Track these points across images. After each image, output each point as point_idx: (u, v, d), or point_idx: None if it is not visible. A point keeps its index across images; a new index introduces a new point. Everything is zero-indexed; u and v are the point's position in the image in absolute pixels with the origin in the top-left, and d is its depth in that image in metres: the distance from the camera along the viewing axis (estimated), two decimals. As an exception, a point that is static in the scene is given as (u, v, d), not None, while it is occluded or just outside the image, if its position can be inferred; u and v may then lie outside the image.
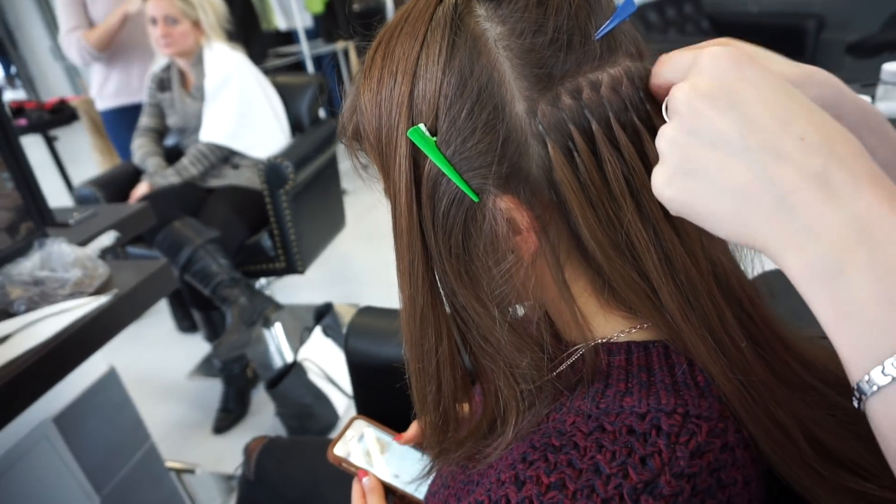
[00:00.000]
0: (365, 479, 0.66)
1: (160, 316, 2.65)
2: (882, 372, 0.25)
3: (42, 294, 0.94)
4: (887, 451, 0.27)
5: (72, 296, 0.95)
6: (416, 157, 0.38)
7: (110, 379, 1.26)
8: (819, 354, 0.42)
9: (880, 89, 1.27)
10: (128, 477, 1.28)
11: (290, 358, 2.04)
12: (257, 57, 2.21)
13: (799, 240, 0.27)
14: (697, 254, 0.37)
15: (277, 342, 2.07)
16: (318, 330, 1.94)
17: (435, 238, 0.39)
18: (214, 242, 1.78)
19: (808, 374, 0.41)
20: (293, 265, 2.01)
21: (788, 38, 3.21)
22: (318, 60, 3.86)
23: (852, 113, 0.35)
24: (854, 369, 0.27)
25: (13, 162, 1.04)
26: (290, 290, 2.73)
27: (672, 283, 0.36)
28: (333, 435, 1.70)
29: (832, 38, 3.21)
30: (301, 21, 3.70)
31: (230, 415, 1.96)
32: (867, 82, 1.43)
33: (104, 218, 1.28)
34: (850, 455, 0.37)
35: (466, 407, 0.49)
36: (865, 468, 0.37)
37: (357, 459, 0.68)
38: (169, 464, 1.47)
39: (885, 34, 2.85)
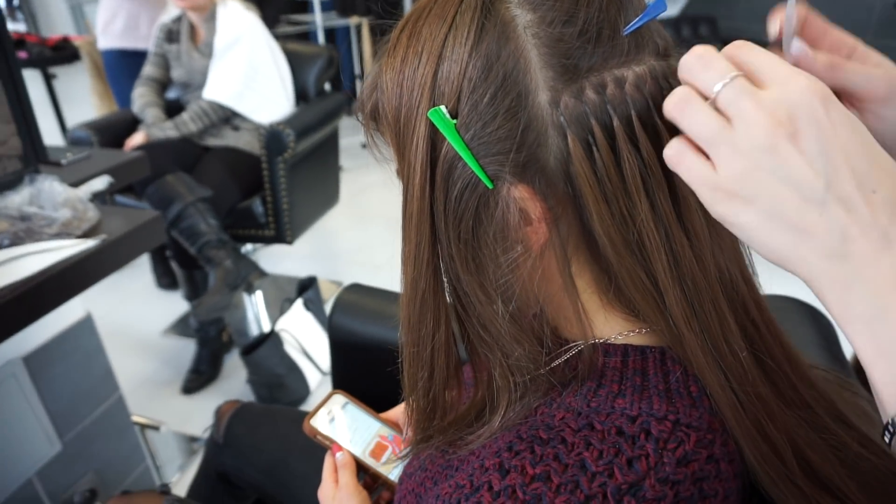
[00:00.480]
0: (339, 454, 0.65)
1: (140, 269, 2.61)
2: None
3: (28, 230, 0.92)
4: None
5: (58, 236, 0.93)
6: (434, 138, 0.38)
7: (85, 325, 1.24)
8: (817, 378, 0.42)
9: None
10: (92, 426, 1.27)
11: (266, 327, 2.03)
12: (269, 21, 2.17)
13: (847, 283, 0.29)
14: (706, 259, 0.37)
15: (256, 310, 2.05)
16: (299, 302, 1.92)
17: (445, 222, 0.39)
18: (206, 201, 1.76)
19: (808, 393, 0.42)
20: (282, 234, 1.99)
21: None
22: (329, 33, 3.82)
23: None
24: (889, 405, 0.28)
25: (13, 93, 1.02)
26: (274, 259, 2.71)
27: (678, 287, 0.36)
28: (303, 408, 1.70)
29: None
30: (317, -9, 3.66)
31: (201, 377, 1.95)
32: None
33: (98, 162, 1.26)
34: (835, 479, 0.38)
35: (454, 395, 0.48)
36: (847, 494, 0.38)
37: (332, 433, 0.68)
38: (135, 418, 1.45)
39: None
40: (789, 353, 0.41)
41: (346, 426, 0.69)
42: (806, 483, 0.38)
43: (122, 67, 2.31)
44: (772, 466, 0.37)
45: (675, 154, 0.32)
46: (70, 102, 3.02)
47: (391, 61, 0.40)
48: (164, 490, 0.82)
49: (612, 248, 0.37)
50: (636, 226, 0.36)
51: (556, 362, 0.42)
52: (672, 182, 0.36)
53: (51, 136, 2.48)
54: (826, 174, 0.29)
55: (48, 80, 2.77)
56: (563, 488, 0.33)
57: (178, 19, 2.06)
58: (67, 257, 0.88)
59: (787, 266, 0.31)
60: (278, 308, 1.93)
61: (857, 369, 1.06)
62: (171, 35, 2.07)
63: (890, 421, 0.28)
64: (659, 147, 0.35)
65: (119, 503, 0.80)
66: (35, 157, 1.07)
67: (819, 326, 0.71)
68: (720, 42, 3.51)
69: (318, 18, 3.65)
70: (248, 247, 2.52)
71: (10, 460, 1.10)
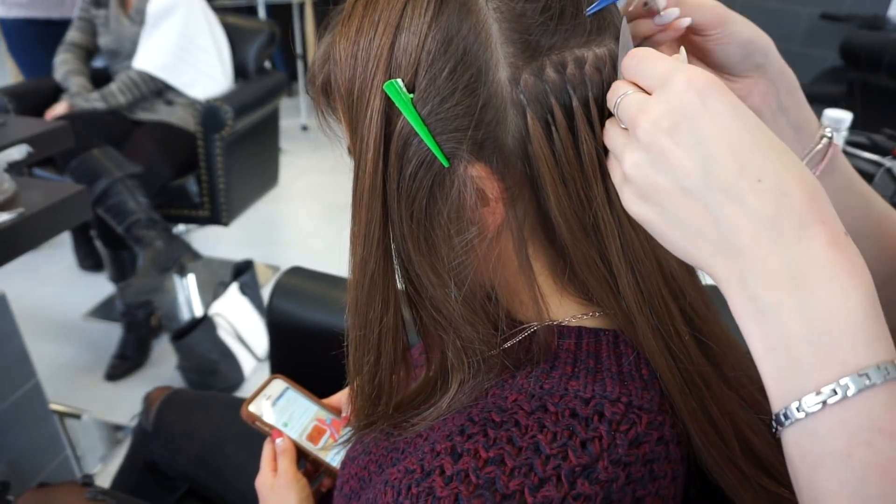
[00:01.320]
0: (278, 440, 0.63)
1: (61, 249, 2.46)
2: (797, 408, 0.27)
3: (-67, 201, 0.85)
4: (795, 480, 0.29)
5: (-31, 208, 0.86)
6: (389, 113, 0.36)
7: (0, 305, 1.15)
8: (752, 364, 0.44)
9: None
10: (6, 413, 1.18)
11: (199, 311, 1.95)
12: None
13: (741, 277, 0.29)
14: (650, 248, 0.37)
15: (188, 293, 1.97)
16: (234, 286, 1.86)
17: (398, 200, 0.38)
18: (135, 178, 1.66)
19: (746, 376, 0.43)
20: (218, 215, 1.92)
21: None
22: (270, 8, 3.68)
23: (776, 72, 0.40)
24: (775, 401, 0.29)
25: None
26: (207, 241, 2.60)
27: (630, 271, 0.37)
28: (238, 395, 1.65)
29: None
30: (259, -36, 3.52)
31: (126, 362, 1.85)
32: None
33: (15, 130, 1.16)
34: (772, 459, 0.39)
35: (401, 377, 0.47)
36: (783, 473, 0.39)
37: (271, 419, 0.66)
38: (53, 406, 1.37)
39: (816, 88, 3.06)
40: (725, 336, 0.42)
41: (284, 411, 0.67)
42: (746, 464, 0.39)
43: (29, 37, 2.14)
44: (716, 448, 0.38)
45: (608, 161, 0.35)
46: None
47: (345, 31, 0.38)
48: (87, 482, 0.77)
49: (568, 231, 0.36)
50: (592, 209, 0.36)
51: (509, 343, 0.41)
52: None
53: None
54: (704, 165, 0.29)
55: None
56: (517, 471, 0.33)
57: (108, -17, 1.94)
58: (-21, 231, 0.81)
59: (691, 261, 0.32)
60: (212, 292, 1.86)
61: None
62: (98, 0, 1.94)
63: (775, 416, 0.29)
64: None
65: (35, 496, 0.75)
66: (-58, 122, 0.98)
67: None
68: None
69: (260, -7, 3.52)
70: (180, 227, 2.41)
71: (-90, 451, 1.01)
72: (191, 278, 1.96)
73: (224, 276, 1.96)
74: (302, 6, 3.86)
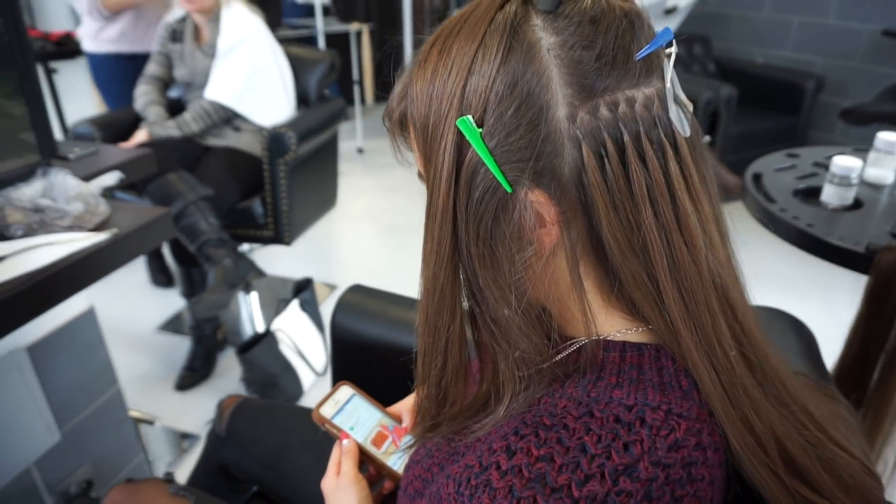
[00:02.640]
0: (344, 441, 0.68)
1: (134, 266, 2.62)
2: None
3: (41, 222, 0.95)
4: None
5: (70, 229, 0.95)
6: (461, 145, 0.41)
7: (88, 318, 1.26)
8: (794, 381, 0.46)
9: (871, 155, 1.33)
10: (90, 418, 1.28)
11: (261, 327, 2.04)
12: (271, 24, 2.19)
13: None
14: (701, 265, 0.40)
15: (251, 309, 2.07)
16: (295, 303, 1.95)
17: (466, 221, 0.42)
18: (207, 200, 1.78)
19: (787, 393, 0.45)
20: (281, 235, 2.02)
21: (788, 94, 3.30)
22: (329, 38, 3.85)
23: None
24: None
25: (28, 87, 1.04)
26: (270, 259, 2.73)
27: (676, 288, 0.40)
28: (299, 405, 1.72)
29: (828, 101, 3.32)
30: (319, -4, 3.69)
31: (195, 374, 1.96)
32: (859, 147, 1.50)
33: (105, 158, 1.28)
34: (812, 472, 0.42)
35: (461, 387, 0.51)
36: (822, 486, 0.41)
37: (339, 422, 0.71)
38: (132, 412, 1.47)
39: (877, 105, 2.97)
40: (770, 355, 0.45)
41: (351, 416, 0.72)
42: (786, 472, 0.41)
43: (113, 70, 2.32)
44: (755, 455, 0.40)
45: None
46: (70, 98, 3.03)
47: (422, 73, 0.43)
48: (169, 478, 0.84)
49: (619, 251, 0.40)
50: (641, 231, 0.39)
51: (560, 356, 0.45)
52: (674, 193, 0.39)
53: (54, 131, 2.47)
54: None
55: (49, 74, 2.77)
56: (566, 468, 0.37)
57: (183, 19, 2.09)
58: (79, 250, 0.91)
59: None
60: (274, 308, 1.95)
61: (837, 378, 1.10)
62: (175, 35, 2.09)
63: None
64: (663, 160, 0.39)
65: (123, 490, 0.82)
66: (48, 152, 1.09)
67: (801, 336, 0.75)
68: (713, 61, 3.59)
69: (320, 23, 3.68)
70: (244, 246, 2.54)
71: (10, 449, 1.11)
72: (254, 295, 2.06)
73: (285, 294, 2.05)
74: (359, 35, 4.02)
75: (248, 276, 1.76)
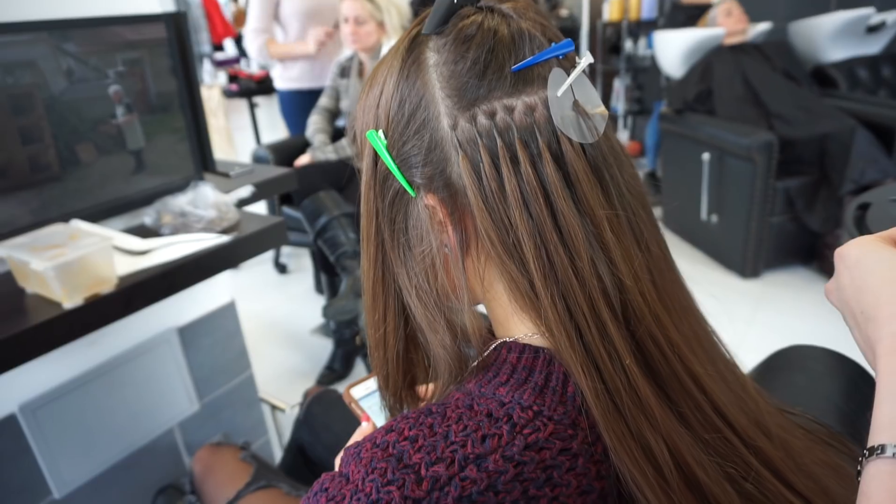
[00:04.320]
0: (364, 423, 0.74)
1: (305, 274, 2.97)
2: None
3: (183, 224, 1.16)
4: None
5: (204, 230, 1.15)
6: (376, 154, 0.47)
7: (229, 310, 1.49)
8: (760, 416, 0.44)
9: None
10: (225, 395, 1.51)
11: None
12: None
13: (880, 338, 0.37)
14: (583, 268, 0.40)
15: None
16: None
17: (386, 223, 0.47)
18: (349, 217, 1.98)
19: (721, 417, 0.43)
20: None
21: None
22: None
23: None
24: (880, 433, 0.34)
25: (191, 114, 1.28)
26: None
27: (552, 291, 0.40)
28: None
29: None
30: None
31: (333, 373, 2.17)
32: None
33: (257, 176, 1.51)
34: (720, 498, 0.39)
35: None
36: None
37: (365, 405, 0.77)
38: (262, 395, 1.68)
39: None
40: (698, 377, 0.42)
41: (377, 402, 0.77)
42: (683, 494, 0.39)
43: (295, 103, 2.68)
44: (640, 473, 0.39)
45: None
46: (268, 127, 3.56)
47: (363, 93, 0.49)
48: (244, 446, 0.98)
49: (495, 252, 0.42)
50: (514, 232, 0.41)
51: (484, 354, 0.47)
52: (550, 197, 0.40)
53: (248, 154, 2.92)
54: (852, 287, 0.41)
55: (252, 108, 3.29)
56: (423, 449, 0.39)
57: (351, 57, 2.36)
58: (207, 248, 1.10)
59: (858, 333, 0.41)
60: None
61: None
62: (343, 71, 2.37)
63: (871, 447, 0.34)
64: (537, 164, 0.40)
65: (209, 450, 0.97)
66: (203, 168, 1.33)
67: (844, 373, 0.64)
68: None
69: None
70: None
71: (159, 410, 1.35)
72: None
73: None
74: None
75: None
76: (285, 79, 2.68)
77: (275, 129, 3.74)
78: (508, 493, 0.37)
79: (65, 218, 1.08)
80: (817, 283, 2.61)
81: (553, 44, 0.42)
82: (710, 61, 2.88)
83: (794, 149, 2.56)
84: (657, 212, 3.59)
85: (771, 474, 0.43)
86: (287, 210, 2.25)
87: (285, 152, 2.35)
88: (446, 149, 0.43)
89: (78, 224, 1.07)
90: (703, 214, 2.78)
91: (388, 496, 0.37)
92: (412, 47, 0.45)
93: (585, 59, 0.43)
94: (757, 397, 0.48)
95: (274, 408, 1.85)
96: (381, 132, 0.45)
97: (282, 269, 3.08)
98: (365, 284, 0.51)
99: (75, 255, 0.88)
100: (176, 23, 1.22)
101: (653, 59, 3.61)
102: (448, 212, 0.44)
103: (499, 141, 0.41)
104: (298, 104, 2.67)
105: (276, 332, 2.53)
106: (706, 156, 2.67)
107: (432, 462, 0.38)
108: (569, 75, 0.42)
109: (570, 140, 0.41)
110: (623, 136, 4.67)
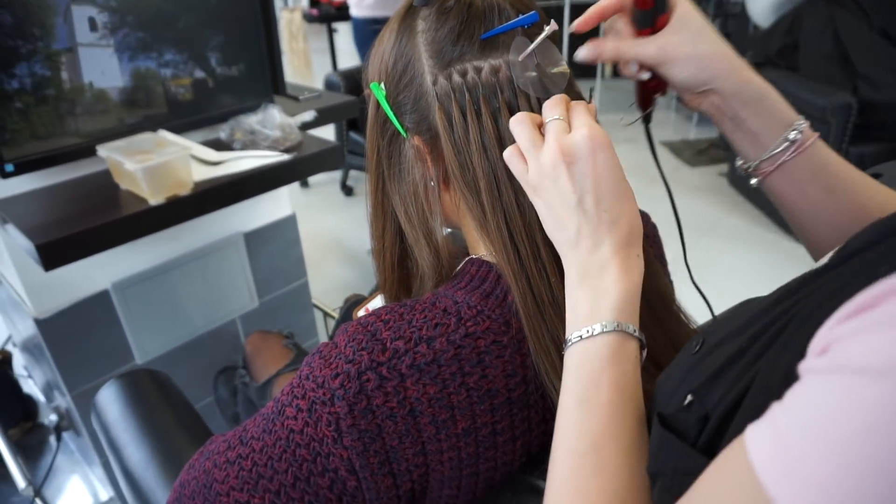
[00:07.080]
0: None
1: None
2: (578, 336, 0.47)
3: (252, 141, 1.31)
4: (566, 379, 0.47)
5: (269, 148, 1.30)
6: (378, 102, 0.57)
7: (290, 221, 1.65)
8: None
9: None
10: (282, 296, 1.70)
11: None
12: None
13: (576, 255, 0.48)
14: (522, 202, 0.51)
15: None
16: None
17: (384, 157, 0.58)
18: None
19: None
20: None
21: None
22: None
23: (729, 90, 0.54)
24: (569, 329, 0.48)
25: (266, 40, 1.41)
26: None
27: (498, 220, 0.51)
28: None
29: None
30: None
31: (383, 291, 2.34)
32: None
33: (324, 101, 1.64)
34: None
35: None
36: None
37: None
38: (315, 301, 1.87)
39: None
40: None
41: None
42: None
43: (368, 32, 2.76)
44: (551, 365, 0.50)
45: (508, 156, 0.50)
46: (346, 52, 3.66)
47: (372, 49, 0.60)
48: (288, 335, 1.15)
49: (459, 187, 0.53)
50: (473, 171, 0.51)
51: (458, 268, 0.59)
52: (503, 144, 0.50)
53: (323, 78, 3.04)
54: (580, 192, 0.47)
55: (330, 33, 3.39)
56: (390, 328, 0.51)
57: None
58: (270, 164, 1.24)
59: (557, 246, 0.49)
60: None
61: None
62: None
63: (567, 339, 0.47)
64: (495, 116, 0.51)
65: (259, 335, 1.15)
66: (275, 91, 1.47)
67: None
68: None
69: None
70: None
71: (224, 302, 1.56)
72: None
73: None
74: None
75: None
76: (360, 6, 2.76)
77: (352, 55, 3.86)
78: (448, 367, 0.49)
79: (154, 127, 1.25)
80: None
81: (521, 15, 0.51)
82: (801, 13, 2.73)
83: (877, 113, 2.44)
84: (724, 170, 3.49)
85: (653, 365, 0.53)
86: (354, 135, 2.38)
87: (354, 80, 2.46)
88: (429, 100, 0.53)
89: (164, 134, 1.23)
90: (770, 174, 2.71)
91: (359, 357, 0.49)
92: (406, 16, 0.54)
93: (549, 28, 0.51)
94: (677, 313, 0.59)
95: (326, 314, 2.05)
96: (382, 84, 0.56)
97: (348, 191, 3.26)
98: (370, 202, 0.63)
99: (160, 161, 1.05)
100: (256, -47, 1.33)
101: (743, 5, 3.42)
102: (429, 151, 0.55)
103: (467, 96, 0.51)
104: (371, 33, 2.75)
105: (337, 248, 2.73)
106: (780, 114, 2.58)
107: (396, 338, 0.51)
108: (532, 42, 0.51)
109: (527, 97, 0.50)
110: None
